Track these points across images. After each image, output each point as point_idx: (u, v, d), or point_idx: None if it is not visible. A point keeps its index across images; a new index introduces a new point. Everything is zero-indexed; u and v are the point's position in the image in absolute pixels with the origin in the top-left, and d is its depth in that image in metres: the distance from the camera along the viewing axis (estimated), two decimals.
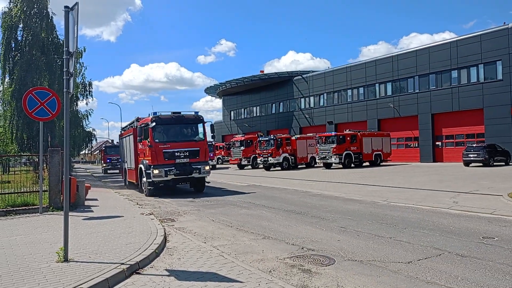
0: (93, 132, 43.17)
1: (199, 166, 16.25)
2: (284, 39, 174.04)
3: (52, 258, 5.99)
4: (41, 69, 23.50)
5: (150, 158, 15.72)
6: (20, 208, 11.08)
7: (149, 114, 16.57)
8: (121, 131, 23.91)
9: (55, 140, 21.97)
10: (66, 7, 6.00)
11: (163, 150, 15.62)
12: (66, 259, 5.84)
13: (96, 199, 14.30)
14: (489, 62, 33.10)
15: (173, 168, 15.68)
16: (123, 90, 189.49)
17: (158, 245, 6.86)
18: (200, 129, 16.97)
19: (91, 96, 34.91)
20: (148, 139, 15.76)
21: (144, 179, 16.40)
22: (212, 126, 17.84)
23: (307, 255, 6.43)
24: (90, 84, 34.18)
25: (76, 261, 5.84)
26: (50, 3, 24.91)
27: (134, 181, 18.96)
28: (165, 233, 7.96)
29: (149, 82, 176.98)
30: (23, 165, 37.73)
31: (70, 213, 6.95)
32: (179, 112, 17.00)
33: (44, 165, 13.30)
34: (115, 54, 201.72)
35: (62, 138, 22.60)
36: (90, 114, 39.60)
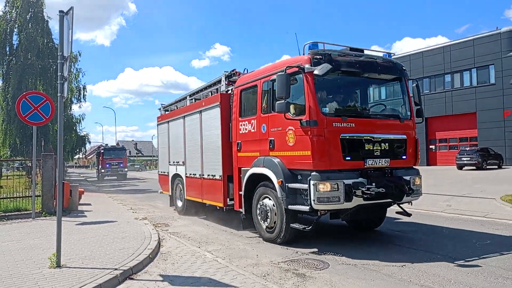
0: (87, 136, 42.35)
1: (408, 177, 7.39)
2: (278, 44, 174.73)
3: (45, 264, 5.94)
4: (37, 73, 23.43)
5: (302, 151, 6.75)
6: (12, 213, 10.96)
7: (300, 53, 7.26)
8: (162, 112, 14.05)
9: (49, 145, 21.84)
10: (61, 11, 6.00)
11: (342, 135, 6.74)
12: (58, 265, 5.79)
13: (89, 204, 14.20)
14: (482, 66, 33.45)
15: (365, 180, 6.69)
16: (117, 94, 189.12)
17: (152, 250, 6.82)
18: (402, 93, 7.95)
19: (85, 100, 34.51)
20: (294, 111, 6.98)
21: (271, 204, 7.50)
22: (417, 88, 8.08)
23: (301, 259, 6.43)
24: (84, 88, 34.02)
25: (69, 267, 5.79)
26: (45, 8, 24.90)
27: (212, 201, 9.82)
28: (159, 238, 7.92)
29: (143, 86, 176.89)
30: (16, 170, 37.44)
31: (63, 218, 6.90)
32: (361, 50, 7.64)
33: (37, 169, 13.21)
34: (110, 58, 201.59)
35: (55, 143, 22.38)
36: (83, 118, 38.53)
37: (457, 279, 5.19)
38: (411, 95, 7.86)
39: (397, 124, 7.43)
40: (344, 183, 6.37)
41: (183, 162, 11.36)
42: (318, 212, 6.69)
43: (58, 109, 6.08)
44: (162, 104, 14.35)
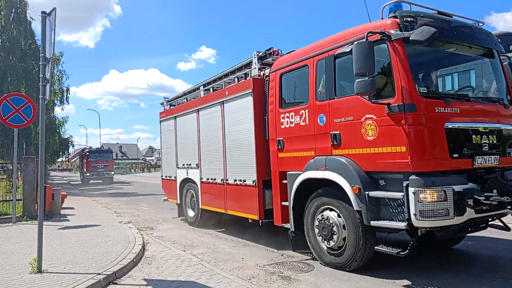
0: (71, 139, 41.59)
1: None
2: (265, 46, 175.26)
3: (25, 269, 5.81)
4: (19, 75, 23.01)
5: (391, 147, 5.09)
6: None
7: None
8: (166, 106, 12.18)
9: (31, 148, 21.41)
10: (43, 12, 5.91)
11: (447, 124, 5.07)
12: (40, 270, 5.68)
13: (72, 208, 13.97)
14: (463, 71, 34.10)
15: (475, 185, 5.08)
16: (102, 97, 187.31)
17: (136, 254, 6.74)
18: (497, 72, 6.49)
19: (68, 102, 33.81)
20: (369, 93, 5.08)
21: (335, 217, 5.92)
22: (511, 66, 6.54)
23: (286, 261, 6.44)
24: (67, 90, 33.46)
25: (50, 272, 5.67)
26: (29, 8, 24.48)
27: (240, 212, 8.17)
28: (143, 242, 7.84)
29: (128, 89, 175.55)
30: None
31: (45, 223, 6.78)
32: (450, 15, 5.84)
33: (19, 173, 12.94)
34: (94, 60, 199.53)
35: (38, 145, 21.93)
36: (66, 121, 37.63)
37: (442, 279, 5.26)
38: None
39: (502, 111, 5.75)
40: (453, 190, 4.71)
41: (197, 164, 9.57)
42: (418, 231, 5.00)
43: (40, 111, 5.98)
44: (165, 98, 12.39)
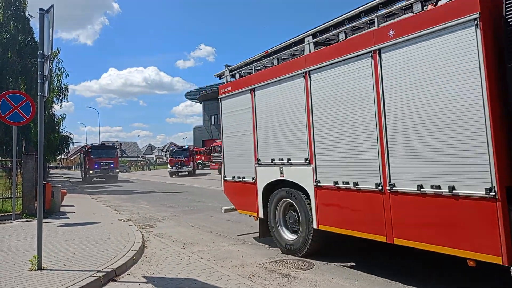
0: (70, 136, 41.39)
1: None
2: (264, 44, 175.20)
3: (25, 266, 5.82)
4: (17, 72, 22.95)
5: None
6: None
7: None
8: (228, 77, 8.69)
9: (30, 145, 21.39)
10: (41, 9, 5.90)
11: None
12: (39, 268, 5.68)
13: (72, 205, 13.97)
14: None
15: None
16: (101, 94, 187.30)
17: (136, 251, 6.75)
18: None
19: (67, 99, 33.66)
20: None
21: None
22: None
23: (286, 259, 6.45)
24: (66, 88, 33.38)
25: (50, 269, 5.68)
26: (28, 6, 24.38)
27: (439, 245, 4.51)
28: (143, 239, 7.84)
29: (127, 87, 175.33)
30: None
31: (44, 220, 6.78)
32: None
33: (18, 170, 12.93)
34: (93, 58, 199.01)
35: (37, 143, 21.88)
36: (64, 118, 37.54)
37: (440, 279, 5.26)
38: None
39: None
40: None
41: (306, 159, 6.29)
42: None
43: (38, 109, 5.97)
44: (227, 65, 8.86)
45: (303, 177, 6.42)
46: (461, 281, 5.14)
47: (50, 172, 54.64)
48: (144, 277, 5.60)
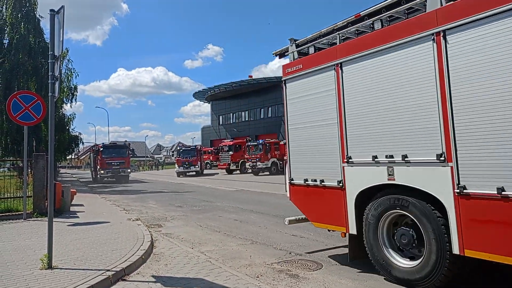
0: (80, 136, 41.62)
1: None
2: (271, 45, 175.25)
3: (36, 265, 5.88)
4: (28, 73, 23.24)
5: None
6: (3, 214, 10.84)
7: None
8: (294, 54, 7.10)
9: (41, 145, 21.64)
10: (51, 10, 5.95)
11: None
12: (50, 266, 5.74)
13: (82, 205, 14.09)
14: None
15: None
16: (110, 95, 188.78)
17: (145, 251, 6.78)
18: None
19: (75, 100, 33.92)
20: None
21: None
22: None
23: (294, 260, 6.43)
24: (75, 88, 33.72)
25: (61, 268, 5.73)
26: (38, 7, 24.69)
27: None
28: (152, 239, 7.88)
29: (136, 87, 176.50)
30: (6, 170, 37.00)
31: (55, 219, 6.84)
32: None
33: (29, 170, 13.08)
34: (102, 58, 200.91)
35: (47, 143, 22.08)
36: (74, 118, 37.71)
37: None
38: None
39: None
40: None
41: (440, 155, 4.50)
42: None
43: (49, 109, 6.03)
44: (293, 39, 7.24)
45: (431, 181, 4.62)
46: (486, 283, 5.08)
47: (60, 171, 55.18)
48: (153, 276, 5.63)
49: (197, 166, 38.32)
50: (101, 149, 33.17)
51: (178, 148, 43.93)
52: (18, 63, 22.78)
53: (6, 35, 23.79)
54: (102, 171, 31.89)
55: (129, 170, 33.44)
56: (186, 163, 38.31)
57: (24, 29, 23.32)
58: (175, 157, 43.04)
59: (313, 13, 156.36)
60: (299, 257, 6.60)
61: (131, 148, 37.01)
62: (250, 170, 35.37)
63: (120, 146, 34.64)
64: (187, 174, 38.38)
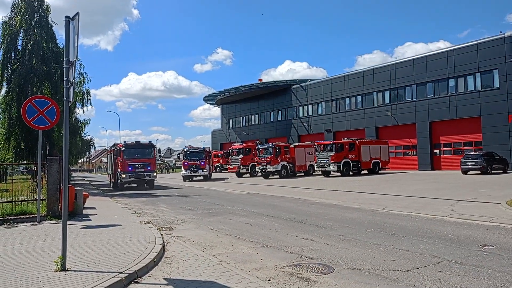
0: (92, 140, 42.05)
1: None
2: (280, 48, 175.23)
3: (50, 267, 5.97)
4: (41, 78, 23.63)
5: None
6: (17, 217, 11.02)
7: None
8: None
9: (54, 149, 21.96)
10: (67, 17, 6.07)
11: None
12: (64, 268, 5.82)
13: (94, 208, 14.24)
14: (486, 71, 33.33)
15: None
16: (121, 99, 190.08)
17: (157, 254, 6.83)
18: None
19: (90, 104, 34.31)
20: None
21: None
22: None
23: (306, 263, 6.41)
24: (88, 93, 34.16)
25: (74, 270, 5.81)
26: (51, 13, 25.10)
27: None
28: (163, 242, 7.94)
29: (146, 91, 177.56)
30: (20, 174, 37.58)
31: (68, 222, 6.93)
32: None
33: (43, 173, 13.29)
34: (113, 63, 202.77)
35: (61, 146, 22.61)
36: (88, 123, 37.95)
37: (463, 284, 5.16)
38: None
39: None
40: None
41: None
42: None
43: (64, 114, 6.13)
44: None
45: None
46: (491, 286, 5.02)
47: (72, 175, 55.81)
48: (164, 279, 5.67)
49: (205, 170, 35.22)
50: (123, 149, 27.32)
51: (185, 149, 37.80)
52: (31, 69, 23.18)
53: (19, 41, 24.26)
54: (123, 175, 26.63)
55: (154, 174, 28.08)
56: (194, 166, 35.07)
57: (37, 35, 23.73)
58: (182, 160, 37.61)
59: (324, 17, 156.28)
60: (311, 260, 6.58)
61: (157, 148, 30.68)
62: (260, 174, 35.29)
63: (145, 146, 28.46)
64: (194, 178, 35.79)
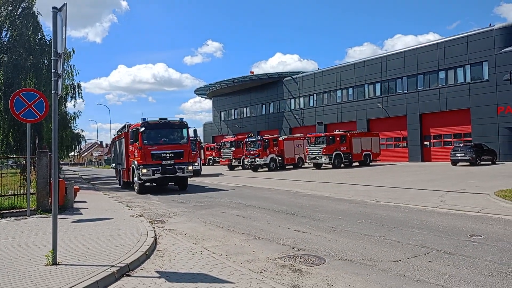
0: (82, 133, 41.65)
1: None
2: (271, 41, 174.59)
3: (41, 261, 5.92)
4: (28, 69, 23.19)
5: None
6: (7, 211, 10.91)
7: None
8: None
9: (43, 142, 21.69)
10: (54, 8, 5.95)
11: None
12: (55, 262, 5.78)
13: (85, 202, 14.15)
14: (476, 63, 33.64)
15: None
16: (110, 92, 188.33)
17: (149, 247, 6.82)
18: None
19: (81, 97, 34.09)
20: None
21: None
22: None
23: (297, 255, 6.46)
24: (79, 86, 33.71)
25: (65, 264, 5.77)
26: (36, 3, 24.57)
27: None
28: (155, 235, 7.92)
29: (136, 83, 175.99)
30: (9, 168, 37.01)
31: (58, 216, 6.88)
32: None
33: (32, 167, 13.13)
34: (102, 55, 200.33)
35: (50, 140, 22.35)
36: (78, 116, 37.64)
37: (452, 274, 5.24)
38: None
39: None
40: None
41: None
42: None
43: (52, 106, 6.04)
44: None
45: None
46: (479, 275, 5.09)
47: (62, 168, 55.30)
48: (157, 272, 5.67)
49: (196, 164, 27.66)
50: (142, 129, 17.85)
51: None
52: (17, 61, 22.75)
53: (3, 32, 23.75)
54: (144, 170, 17.45)
55: (190, 168, 18.72)
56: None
57: (23, 26, 23.25)
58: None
59: (314, 10, 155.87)
60: (302, 252, 6.63)
61: (193, 129, 19.92)
62: (249, 166, 35.37)
63: (174, 125, 18.94)
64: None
